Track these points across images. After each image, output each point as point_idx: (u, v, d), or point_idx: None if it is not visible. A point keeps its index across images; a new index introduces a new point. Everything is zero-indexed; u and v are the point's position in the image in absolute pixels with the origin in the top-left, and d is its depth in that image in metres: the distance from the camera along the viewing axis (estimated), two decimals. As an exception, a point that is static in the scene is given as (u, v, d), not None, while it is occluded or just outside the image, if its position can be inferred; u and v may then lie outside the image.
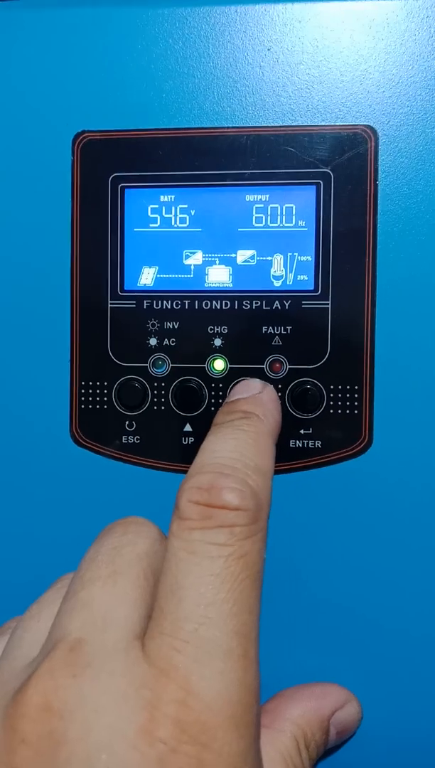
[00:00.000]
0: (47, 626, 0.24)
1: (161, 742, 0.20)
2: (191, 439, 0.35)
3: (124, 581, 0.24)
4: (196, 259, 0.35)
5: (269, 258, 0.35)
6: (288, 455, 0.34)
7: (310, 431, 0.34)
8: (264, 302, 0.35)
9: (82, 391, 0.36)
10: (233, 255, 0.35)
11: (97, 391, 0.36)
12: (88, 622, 0.23)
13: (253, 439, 0.28)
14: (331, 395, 0.34)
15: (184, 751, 0.20)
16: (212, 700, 0.21)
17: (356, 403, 0.34)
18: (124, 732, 0.20)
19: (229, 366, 0.35)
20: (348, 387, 0.34)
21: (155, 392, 0.35)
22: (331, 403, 0.34)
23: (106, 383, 0.36)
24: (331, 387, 0.34)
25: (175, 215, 0.35)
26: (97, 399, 0.36)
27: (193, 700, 0.21)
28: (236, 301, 0.35)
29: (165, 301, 0.35)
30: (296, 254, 0.34)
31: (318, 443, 0.34)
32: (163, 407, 0.35)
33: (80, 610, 0.23)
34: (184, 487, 0.25)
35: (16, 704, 0.21)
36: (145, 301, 0.35)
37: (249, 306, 0.35)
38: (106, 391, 0.36)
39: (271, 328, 0.35)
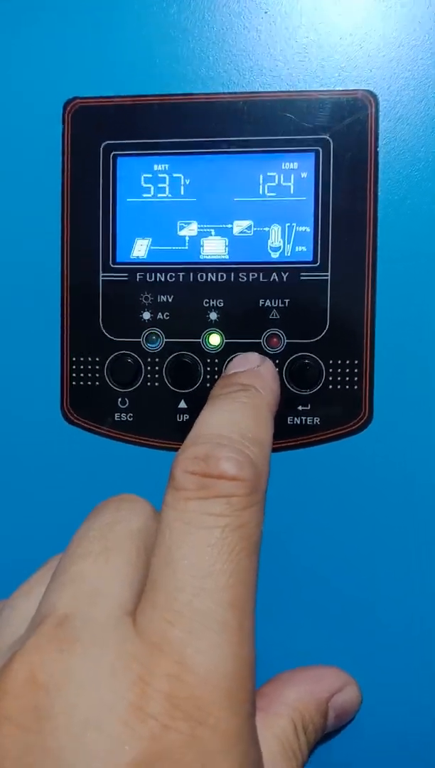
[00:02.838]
0: (36, 605, 0.24)
1: (153, 718, 0.19)
2: (186, 416, 0.34)
3: (117, 557, 0.23)
4: (190, 230, 0.34)
5: (266, 229, 0.34)
6: (286, 432, 0.33)
7: (309, 407, 0.33)
8: (261, 274, 0.34)
9: (74, 367, 0.35)
10: (229, 226, 0.34)
11: (89, 367, 0.35)
12: (77, 596, 0.22)
13: (251, 411, 0.27)
14: (330, 370, 0.33)
15: (177, 727, 0.19)
16: (207, 674, 0.20)
17: (356, 379, 0.33)
18: (113, 708, 0.19)
19: (225, 341, 0.34)
20: (347, 362, 0.33)
21: (149, 368, 0.34)
22: (330, 378, 0.33)
23: (97, 359, 0.35)
24: (331, 362, 0.33)
25: (169, 184, 0.34)
26: (89, 375, 0.35)
27: (187, 674, 0.20)
28: (232, 274, 0.34)
29: (159, 274, 0.34)
30: (294, 224, 0.33)
31: (317, 420, 0.33)
32: (156, 383, 0.34)
33: (70, 585, 0.22)
34: (180, 457, 0.24)
35: (1, 681, 0.20)
36: (138, 274, 0.34)
37: (245, 278, 0.34)
38: (98, 367, 0.35)
39: (268, 301, 0.34)
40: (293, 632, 0.34)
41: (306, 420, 0.34)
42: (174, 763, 0.19)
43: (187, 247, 0.34)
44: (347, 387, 0.33)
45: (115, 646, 0.20)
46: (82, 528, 0.25)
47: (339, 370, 0.33)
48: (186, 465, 0.24)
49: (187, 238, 0.34)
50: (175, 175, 0.34)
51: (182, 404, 0.34)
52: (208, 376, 0.34)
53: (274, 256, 0.34)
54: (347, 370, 0.33)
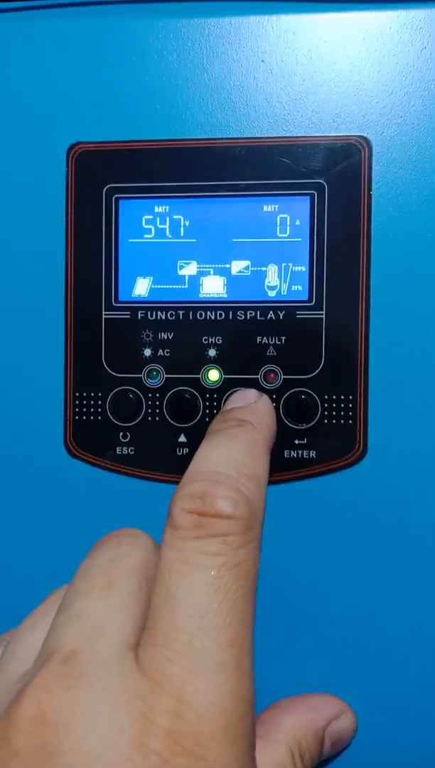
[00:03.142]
0: (41, 638, 0.24)
1: (155, 753, 0.20)
2: (186, 450, 0.35)
3: (119, 592, 0.24)
4: (190, 269, 0.35)
5: (264, 268, 0.35)
6: (283, 466, 0.34)
7: (305, 441, 0.34)
8: (258, 312, 0.35)
9: (77, 402, 0.36)
10: (228, 266, 0.35)
11: (92, 402, 0.36)
12: (82, 632, 0.22)
13: (247, 447, 0.27)
14: (326, 405, 0.34)
15: (177, 762, 0.20)
16: (206, 712, 0.21)
17: (351, 413, 0.34)
18: (117, 744, 0.20)
19: (223, 376, 0.35)
20: (342, 397, 0.34)
21: (149, 403, 0.35)
22: (326, 413, 0.34)
23: (100, 394, 0.36)
24: (326, 397, 0.34)
25: (170, 226, 0.35)
26: (92, 410, 0.36)
27: (187, 711, 0.21)
28: (231, 312, 0.35)
29: (159, 312, 0.35)
30: (291, 264, 0.34)
31: (312, 453, 0.34)
32: (157, 418, 0.35)
33: (75, 621, 0.23)
34: (177, 495, 0.25)
35: (10, 717, 0.21)
36: (139, 312, 0.35)
37: (243, 316, 0.35)
38: (100, 402, 0.36)
39: (265, 338, 0.35)
40: (292, 661, 0.34)
41: (302, 453, 0.34)
42: None
43: (186, 286, 0.35)
44: (342, 421, 0.34)
45: (119, 681, 0.21)
46: (85, 563, 0.25)
47: (334, 405, 0.34)
48: (183, 503, 0.24)
49: (187, 278, 0.35)
50: (175, 216, 0.35)
51: (182, 438, 0.35)
52: (208, 411, 0.35)
53: (271, 294, 0.35)
54: (342, 405, 0.34)
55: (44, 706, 0.21)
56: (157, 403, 0.35)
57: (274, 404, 0.34)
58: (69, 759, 0.20)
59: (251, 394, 0.32)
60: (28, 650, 0.24)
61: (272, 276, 0.35)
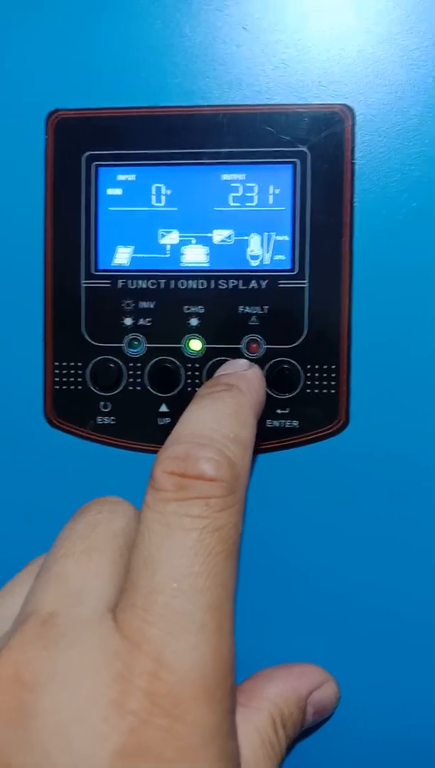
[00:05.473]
0: (20, 603, 0.24)
1: (132, 714, 0.20)
2: (167, 420, 0.35)
3: (99, 557, 0.24)
4: (172, 238, 0.35)
5: (246, 237, 0.34)
6: (265, 435, 0.34)
7: (287, 411, 0.34)
8: (241, 282, 0.34)
9: (57, 371, 0.35)
10: (210, 234, 0.35)
11: (72, 371, 0.35)
12: (61, 595, 0.22)
13: (232, 410, 0.27)
14: (308, 375, 0.34)
15: (155, 723, 0.20)
16: (185, 673, 0.21)
17: (333, 383, 0.34)
18: (95, 704, 0.20)
19: (205, 346, 0.35)
20: (325, 367, 0.34)
21: (130, 373, 0.35)
22: (308, 382, 0.34)
23: (80, 364, 0.35)
24: (308, 367, 0.34)
25: (151, 194, 0.35)
26: (72, 380, 0.35)
27: (166, 672, 0.20)
28: (213, 281, 0.34)
29: (140, 281, 0.35)
30: (273, 234, 0.34)
31: (295, 423, 0.34)
32: (138, 388, 0.35)
33: (54, 584, 0.23)
34: (160, 457, 0.24)
35: None
36: (119, 281, 0.35)
37: (225, 285, 0.34)
38: (80, 372, 0.35)
39: (247, 307, 0.34)
40: (274, 630, 0.34)
41: (285, 423, 0.34)
42: (153, 757, 0.20)
43: (168, 255, 0.35)
44: (325, 391, 0.34)
45: (97, 643, 0.21)
46: (65, 529, 0.25)
47: (317, 375, 0.34)
48: (165, 465, 0.24)
49: (168, 247, 0.35)
50: (156, 185, 0.35)
51: (163, 408, 0.35)
52: (189, 381, 0.35)
53: (254, 264, 0.34)
54: (325, 375, 0.34)
55: (21, 666, 0.21)
56: (139, 372, 0.35)
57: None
58: (46, 719, 0.20)
59: (242, 362, 0.32)
60: (6, 614, 0.24)
61: (255, 245, 0.34)
